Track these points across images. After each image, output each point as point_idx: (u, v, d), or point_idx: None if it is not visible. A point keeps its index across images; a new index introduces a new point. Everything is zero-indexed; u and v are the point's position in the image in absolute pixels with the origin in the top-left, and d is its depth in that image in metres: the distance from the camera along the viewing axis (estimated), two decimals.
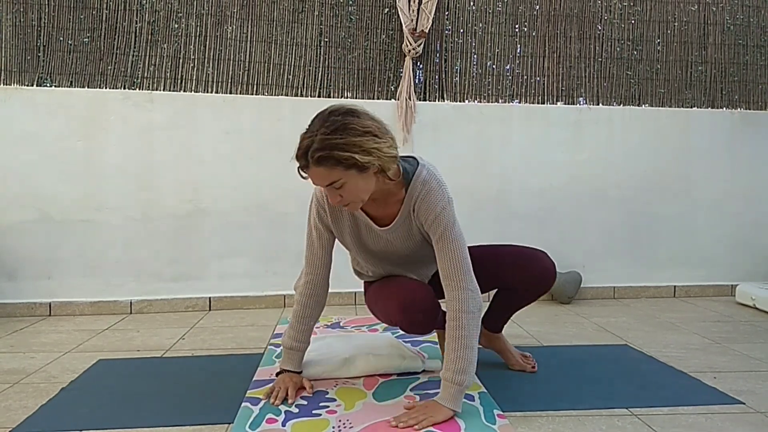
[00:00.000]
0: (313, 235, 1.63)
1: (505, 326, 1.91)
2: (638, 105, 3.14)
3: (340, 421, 1.45)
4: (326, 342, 1.95)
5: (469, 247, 1.54)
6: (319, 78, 2.95)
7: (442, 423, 1.41)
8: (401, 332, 1.99)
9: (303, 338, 1.66)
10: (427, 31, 2.90)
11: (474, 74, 3.05)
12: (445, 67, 3.03)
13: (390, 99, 2.98)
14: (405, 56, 2.93)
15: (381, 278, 1.75)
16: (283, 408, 1.53)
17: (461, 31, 3.03)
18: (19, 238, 2.71)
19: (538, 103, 3.08)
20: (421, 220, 1.51)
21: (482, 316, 1.57)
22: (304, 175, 1.41)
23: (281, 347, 1.85)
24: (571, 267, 3.02)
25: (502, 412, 1.50)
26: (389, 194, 1.52)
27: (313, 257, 1.64)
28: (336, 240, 1.66)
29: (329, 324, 2.47)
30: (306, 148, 1.36)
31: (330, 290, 2.92)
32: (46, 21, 2.78)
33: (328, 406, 1.54)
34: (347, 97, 2.95)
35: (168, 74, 2.85)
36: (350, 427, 1.41)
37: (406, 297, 1.59)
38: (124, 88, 2.82)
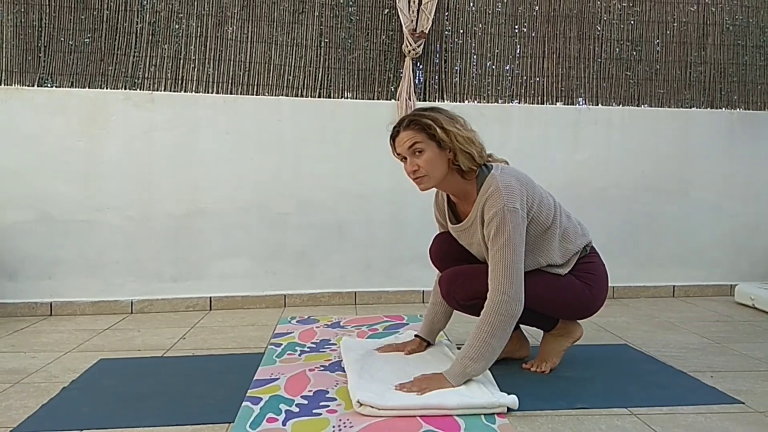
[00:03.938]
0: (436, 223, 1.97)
1: None
2: (637, 105, 3.14)
3: (340, 420, 1.45)
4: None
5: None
6: (320, 78, 2.95)
7: (436, 389, 1.55)
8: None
9: (430, 309, 1.97)
10: (427, 31, 2.90)
11: (474, 75, 3.05)
12: (445, 68, 3.04)
13: (390, 99, 2.98)
14: (405, 57, 2.93)
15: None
16: (283, 407, 1.54)
17: (461, 31, 3.04)
18: (19, 238, 2.72)
19: (537, 103, 3.09)
20: (484, 223, 1.64)
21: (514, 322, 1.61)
22: (393, 149, 1.71)
23: (282, 346, 1.85)
24: None
25: (502, 412, 1.50)
26: (467, 194, 1.71)
27: None
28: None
29: (329, 324, 2.48)
30: (401, 120, 1.70)
31: (330, 290, 2.96)
32: (46, 21, 2.79)
33: (328, 406, 1.55)
34: (347, 98, 2.96)
35: (169, 75, 2.86)
36: (350, 427, 1.41)
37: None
38: (125, 89, 2.82)
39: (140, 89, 2.83)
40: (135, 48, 2.84)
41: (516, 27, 3.07)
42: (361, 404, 1.48)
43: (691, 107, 3.17)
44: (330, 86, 2.96)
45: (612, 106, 3.12)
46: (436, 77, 3.03)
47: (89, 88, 2.80)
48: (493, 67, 3.07)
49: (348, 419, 1.46)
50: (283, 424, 1.44)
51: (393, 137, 1.70)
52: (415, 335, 2.01)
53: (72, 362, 2.00)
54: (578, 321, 1.90)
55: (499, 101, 3.05)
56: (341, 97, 2.96)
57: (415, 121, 1.65)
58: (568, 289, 1.74)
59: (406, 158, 1.69)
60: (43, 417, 1.53)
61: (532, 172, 3.09)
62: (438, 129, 1.62)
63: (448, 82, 3.03)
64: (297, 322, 2.54)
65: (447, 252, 1.87)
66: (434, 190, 1.85)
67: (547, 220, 1.70)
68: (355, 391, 1.55)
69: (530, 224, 1.66)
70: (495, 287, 1.59)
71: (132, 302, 2.79)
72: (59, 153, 2.73)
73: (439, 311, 1.95)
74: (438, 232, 1.95)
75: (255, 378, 1.78)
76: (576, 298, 1.76)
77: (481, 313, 1.60)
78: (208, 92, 2.88)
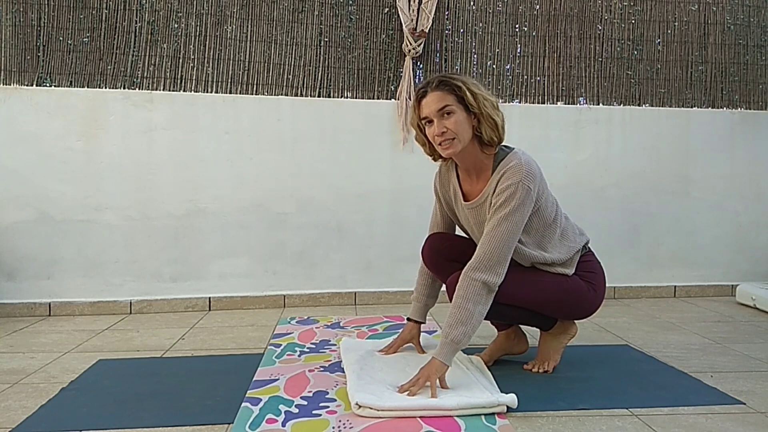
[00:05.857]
0: (434, 202, 1.91)
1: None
2: (638, 105, 3.13)
3: (340, 421, 1.45)
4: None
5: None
6: (319, 78, 2.95)
7: (437, 377, 1.55)
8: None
9: (421, 290, 1.93)
10: (427, 30, 2.90)
11: (474, 74, 3.04)
12: (445, 67, 3.03)
13: (390, 99, 2.97)
14: (405, 56, 2.92)
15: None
16: (283, 408, 1.53)
17: (461, 30, 3.03)
18: (18, 238, 2.71)
19: (538, 103, 3.08)
20: (494, 193, 1.63)
21: (491, 300, 1.61)
22: (418, 112, 1.66)
23: (281, 347, 1.84)
24: None
25: (502, 412, 1.50)
26: (481, 167, 1.69)
27: (433, 221, 1.93)
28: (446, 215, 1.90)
29: (329, 324, 2.47)
30: (427, 81, 1.66)
31: (330, 290, 2.95)
32: (45, 21, 2.78)
33: (328, 407, 1.54)
34: (347, 97, 2.95)
35: (168, 74, 2.85)
36: (350, 428, 1.41)
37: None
38: (124, 88, 2.81)
39: (139, 89, 2.82)
40: (134, 47, 2.84)
41: (516, 26, 3.07)
42: (360, 406, 1.48)
43: (692, 107, 3.16)
44: (330, 85, 2.95)
45: (613, 105, 3.12)
46: None
47: (88, 87, 2.79)
48: (494, 66, 3.06)
49: (348, 420, 1.45)
50: (283, 425, 1.43)
51: (419, 98, 1.65)
52: (407, 318, 1.98)
53: (71, 363, 1.99)
54: (577, 321, 1.89)
55: (500, 101, 3.03)
56: (341, 97, 2.95)
57: (445, 81, 1.62)
58: (575, 291, 1.75)
59: (431, 122, 1.63)
60: (42, 418, 1.53)
61: None
62: (467, 92, 1.60)
63: None
64: (297, 322, 2.53)
65: (441, 251, 1.84)
66: (436, 174, 1.85)
67: (549, 217, 1.71)
68: (353, 393, 1.54)
69: (535, 215, 1.66)
70: (478, 254, 1.60)
71: (131, 302, 2.79)
72: (58, 152, 2.72)
73: (430, 293, 1.94)
74: (430, 233, 1.91)
75: (254, 379, 1.77)
76: (581, 299, 1.76)
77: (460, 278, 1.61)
78: (207, 91, 2.87)
